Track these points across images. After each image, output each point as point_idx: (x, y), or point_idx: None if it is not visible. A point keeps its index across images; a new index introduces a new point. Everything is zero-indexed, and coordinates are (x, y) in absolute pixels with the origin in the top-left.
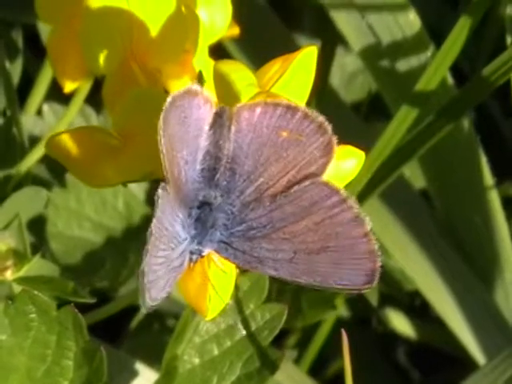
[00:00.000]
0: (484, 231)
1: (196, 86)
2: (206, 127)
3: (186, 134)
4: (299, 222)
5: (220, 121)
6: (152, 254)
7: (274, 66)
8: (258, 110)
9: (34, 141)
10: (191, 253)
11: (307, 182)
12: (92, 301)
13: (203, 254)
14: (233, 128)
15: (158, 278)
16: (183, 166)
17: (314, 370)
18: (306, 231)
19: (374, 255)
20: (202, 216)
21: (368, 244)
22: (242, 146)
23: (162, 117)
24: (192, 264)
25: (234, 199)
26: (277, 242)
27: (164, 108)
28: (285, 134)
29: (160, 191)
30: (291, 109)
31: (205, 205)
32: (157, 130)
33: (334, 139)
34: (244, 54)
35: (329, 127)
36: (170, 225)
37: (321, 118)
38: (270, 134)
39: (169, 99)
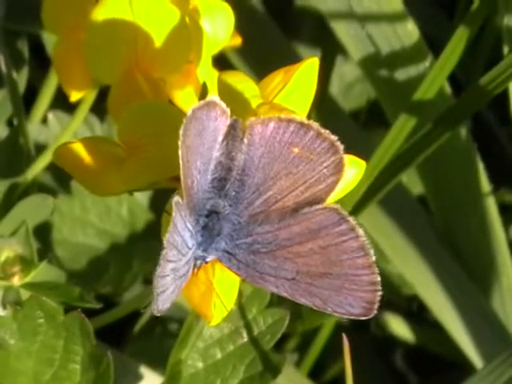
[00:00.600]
0: (481, 237)
1: (215, 98)
2: (220, 138)
3: (202, 145)
4: (305, 244)
5: (233, 133)
6: (162, 267)
7: (277, 77)
8: (272, 124)
9: (40, 148)
10: (195, 259)
11: (319, 206)
12: (98, 306)
13: (207, 260)
14: (245, 140)
15: (166, 289)
16: (196, 175)
17: (314, 374)
18: (311, 254)
19: (375, 287)
20: (209, 224)
21: (371, 275)
22: (253, 159)
23: (181, 129)
24: (196, 270)
25: (242, 210)
26: (280, 260)
27: (184, 120)
28: (296, 150)
29: (174, 201)
30: (305, 126)
31: (213, 213)
32: (161, 141)
33: (345, 159)
34: (245, 63)
35: (340, 147)
36: (181, 233)
37: (333, 137)
38: (281, 149)
39: (189, 111)
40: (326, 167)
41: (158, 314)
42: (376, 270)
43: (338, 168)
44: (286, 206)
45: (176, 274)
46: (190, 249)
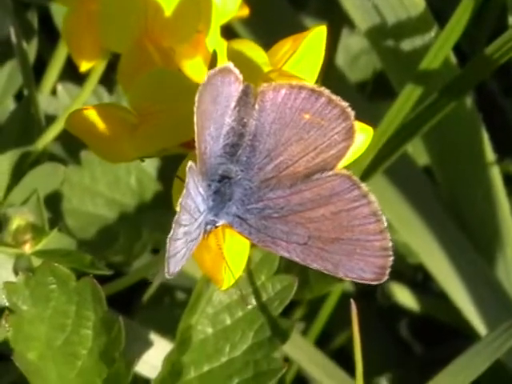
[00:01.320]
0: (486, 207)
1: (230, 65)
2: (233, 104)
3: (215, 111)
4: (316, 209)
5: (245, 99)
6: (175, 230)
7: (285, 46)
8: (283, 91)
9: (49, 119)
10: (206, 224)
11: (330, 172)
12: (109, 273)
13: (217, 224)
14: (257, 107)
15: (177, 252)
16: (209, 141)
17: (321, 342)
18: (323, 219)
19: (387, 252)
20: (221, 189)
21: (382, 241)
22: (264, 125)
23: (197, 95)
24: (206, 234)
25: (253, 175)
26: (292, 225)
27: (200, 87)
28: (307, 116)
29: (188, 167)
30: (316, 92)
31: (225, 178)
32: (172, 107)
33: (356, 125)
34: (252, 34)
35: (351, 113)
36: (194, 198)
37: (344, 104)
38: (292, 116)
39: (205, 78)
40: (336, 133)
41: (170, 277)
42: (388, 235)
43: (349, 134)
44: (296, 172)
45: (188, 237)
46: (201, 213)
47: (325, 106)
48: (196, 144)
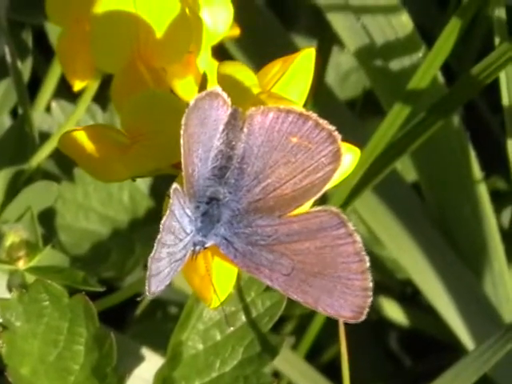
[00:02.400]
0: (473, 223)
1: (217, 89)
2: (221, 128)
3: (203, 134)
4: (303, 242)
5: (233, 122)
6: (157, 250)
7: (275, 67)
8: (271, 114)
9: (43, 136)
10: (194, 244)
11: (320, 208)
12: (101, 289)
13: (206, 245)
14: (245, 130)
15: (160, 272)
16: (197, 163)
17: (311, 356)
18: (307, 253)
19: (366, 293)
20: (209, 210)
21: (363, 281)
22: (252, 148)
23: (184, 118)
24: (195, 255)
25: (241, 197)
26: (277, 255)
27: (186, 110)
28: (295, 139)
29: (173, 189)
30: (303, 116)
31: (213, 200)
32: (163, 129)
33: (342, 148)
34: (244, 53)
35: (338, 136)
36: (179, 219)
37: (331, 127)
38: (280, 139)
39: (192, 101)
40: (323, 156)
41: (151, 297)
42: (369, 276)
43: (336, 157)
44: (284, 194)
45: (172, 258)
46: (188, 234)
47: (312, 130)
48: (183, 166)
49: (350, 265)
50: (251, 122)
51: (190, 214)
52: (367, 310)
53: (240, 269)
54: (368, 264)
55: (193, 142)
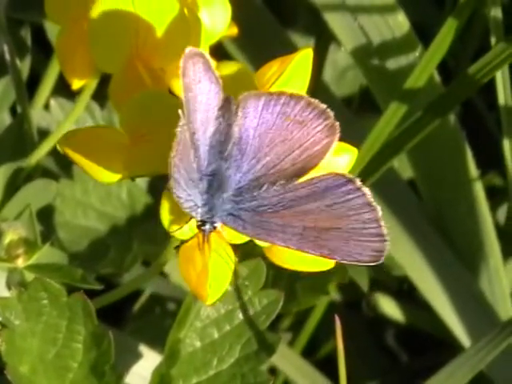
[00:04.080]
0: (469, 220)
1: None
2: (216, 110)
3: (200, 103)
4: (311, 203)
5: (228, 106)
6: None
7: (273, 67)
8: (263, 97)
9: (42, 134)
10: (203, 223)
11: (323, 172)
12: (99, 287)
13: (215, 224)
14: (239, 113)
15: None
16: (198, 128)
17: (308, 352)
18: (318, 212)
19: (383, 238)
20: (213, 184)
21: (378, 228)
22: (248, 130)
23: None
24: (206, 237)
25: (243, 175)
26: (287, 219)
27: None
28: (289, 118)
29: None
30: (294, 97)
31: (216, 175)
32: (162, 129)
33: (337, 122)
34: (242, 51)
35: (331, 113)
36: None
37: (322, 106)
38: (275, 120)
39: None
40: (319, 131)
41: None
42: (383, 223)
43: (331, 131)
44: (284, 169)
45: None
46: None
47: (305, 109)
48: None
49: (363, 215)
50: (245, 106)
51: (196, 182)
52: (386, 252)
53: (250, 237)
54: (380, 212)
55: (193, 107)
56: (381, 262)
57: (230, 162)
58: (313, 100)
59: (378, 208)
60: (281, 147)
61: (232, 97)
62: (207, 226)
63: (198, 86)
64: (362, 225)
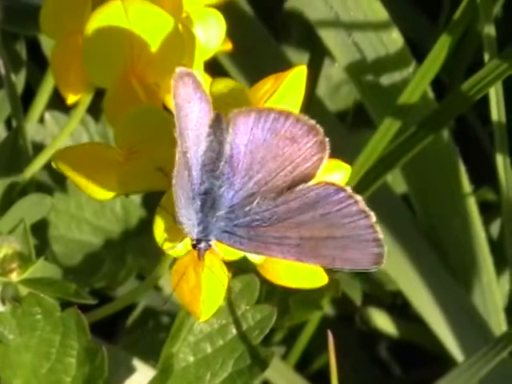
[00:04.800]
0: (462, 235)
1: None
2: (207, 130)
3: (191, 120)
4: (305, 214)
5: (218, 124)
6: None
7: (267, 84)
8: (253, 114)
9: (37, 147)
10: (198, 241)
11: (311, 183)
12: (93, 302)
13: (210, 242)
14: (230, 130)
15: None
16: (191, 146)
17: (301, 366)
18: (312, 222)
19: (379, 243)
20: (207, 202)
21: (375, 234)
22: (239, 147)
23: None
24: (201, 255)
25: (235, 193)
26: (283, 231)
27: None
28: (279, 135)
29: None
30: (284, 113)
31: (209, 193)
32: (156, 146)
33: (326, 139)
34: (236, 66)
35: (320, 129)
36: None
37: (312, 122)
38: (265, 136)
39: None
40: (309, 147)
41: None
42: (378, 229)
43: (322, 147)
44: (276, 186)
45: None
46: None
47: (294, 125)
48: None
49: (358, 222)
50: (235, 123)
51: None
52: (385, 257)
53: (247, 252)
54: (375, 218)
55: (184, 126)
56: (380, 267)
57: (222, 179)
58: (302, 116)
59: (372, 214)
60: (272, 164)
61: (222, 114)
62: (202, 245)
63: (189, 106)
64: (358, 231)
